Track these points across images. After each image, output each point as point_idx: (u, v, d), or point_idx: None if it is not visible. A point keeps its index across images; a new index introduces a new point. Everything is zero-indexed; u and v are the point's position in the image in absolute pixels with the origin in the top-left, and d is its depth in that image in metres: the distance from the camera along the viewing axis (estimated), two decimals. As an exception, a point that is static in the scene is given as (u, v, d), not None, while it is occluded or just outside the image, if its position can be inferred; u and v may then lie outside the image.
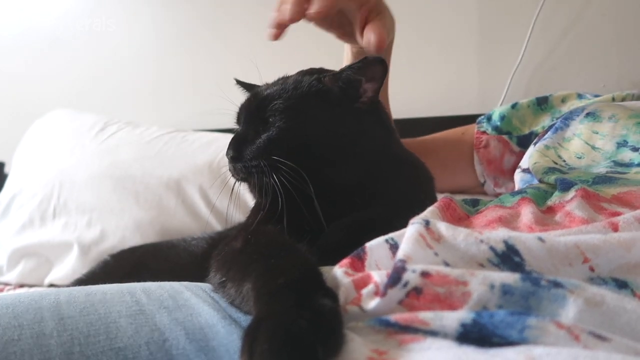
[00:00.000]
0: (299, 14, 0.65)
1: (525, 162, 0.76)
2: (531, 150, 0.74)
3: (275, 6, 0.68)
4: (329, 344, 0.34)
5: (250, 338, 0.34)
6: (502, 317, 0.33)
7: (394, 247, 0.45)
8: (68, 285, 0.98)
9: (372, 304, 0.38)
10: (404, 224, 0.46)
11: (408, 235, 0.43)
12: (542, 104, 0.93)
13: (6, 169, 1.73)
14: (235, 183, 0.69)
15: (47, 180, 1.31)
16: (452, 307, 0.36)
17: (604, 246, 0.39)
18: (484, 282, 0.36)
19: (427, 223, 0.44)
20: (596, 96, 0.87)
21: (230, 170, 0.67)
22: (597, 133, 0.68)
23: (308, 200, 0.59)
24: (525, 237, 0.40)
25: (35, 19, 1.83)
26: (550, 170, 0.64)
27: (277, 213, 0.61)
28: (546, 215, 0.52)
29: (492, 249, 0.41)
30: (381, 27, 0.68)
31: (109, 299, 0.50)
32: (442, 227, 0.43)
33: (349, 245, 0.49)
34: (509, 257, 0.40)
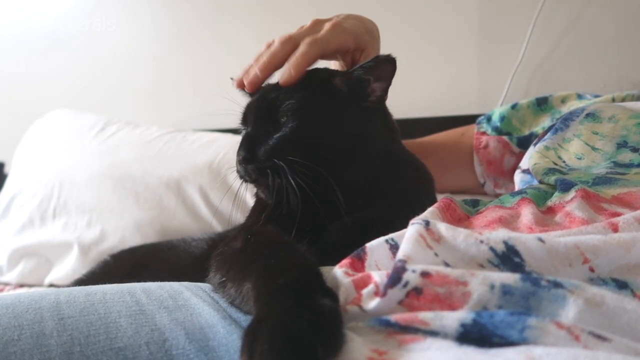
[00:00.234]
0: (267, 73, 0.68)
1: (525, 163, 0.76)
2: (531, 151, 0.74)
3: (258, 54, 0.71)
4: (329, 344, 0.34)
5: (250, 338, 0.34)
6: (502, 317, 0.33)
7: (394, 247, 0.46)
8: (68, 285, 0.98)
9: (372, 304, 0.38)
10: (404, 225, 0.46)
11: (408, 236, 0.43)
12: (542, 104, 0.93)
13: (6, 169, 1.73)
14: (241, 185, 0.69)
15: (47, 180, 1.31)
16: (452, 307, 0.36)
17: (604, 247, 0.39)
18: (484, 282, 0.36)
19: (427, 223, 0.44)
20: (596, 96, 0.87)
21: (239, 172, 0.66)
22: (597, 134, 0.68)
23: (318, 198, 0.59)
24: (525, 238, 0.40)
25: (35, 19, 1.83)
26: (550, 171, 0.64)
27: (282, 213, 0.61)
28: (546, 215, 0.52)
29: (492, 249, 0.41)
30: None
31: (109, 299, 0.50)
32: (442, 228, 0.44)
33: (349, 245, 0.49)
34: (509, 258, 0.40)
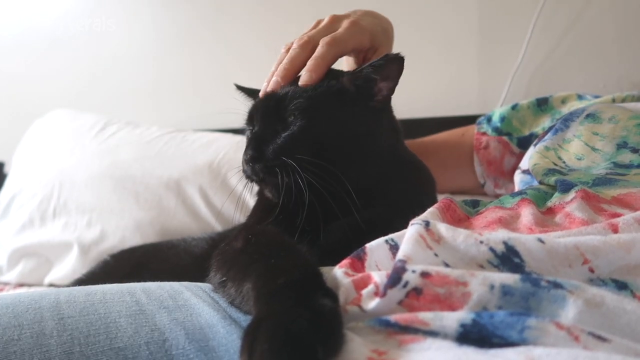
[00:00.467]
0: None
1: (525, 164, 0.76)
2: (531, 152, 0.74)
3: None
4: (329, 344, 0.34)
5: (250, 338, 0.34)
6: (502, 318, 0.33)
7: (394, 247, 0.46)
8: (68, 285, 0.98)
9: (372, 304, 0.38)
10: (404, 225, 0.46)
11: (408, 236, 0.43)
12: (542, 105, 0.93)
13: (6, 169, 1.73)
14: (245, 185, 0.68)
15: (47, 180, 1.31)
16: (452, 307, 0.36)
17: (603, 247, 0.39)
18: (483, 282, 0.36)
19: (427, 224, 0.44)
20: (596, 97, 0.87)
21: (245, 171, 0.65)
22: (597, 134, 0.68)
23: (326, 197, 0.59)
24: (525, 239, 0.41)
25: (35, 19, 1.83)
26: (550, 171, 0.64)
27: (286, 213, 0.61)
28: (546, 216, 0.52)
29: (492, 250, 0.41)
30: None
31: (109, 299, 0.50)
32: (442, 228, 0.44)
33: (349, 245, 0.50)
34: (508, 258, 0.40)
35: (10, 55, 1.88)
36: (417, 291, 0.37)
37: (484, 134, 0.95)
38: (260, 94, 0.70)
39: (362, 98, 0.65)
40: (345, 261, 0.47)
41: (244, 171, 0.66)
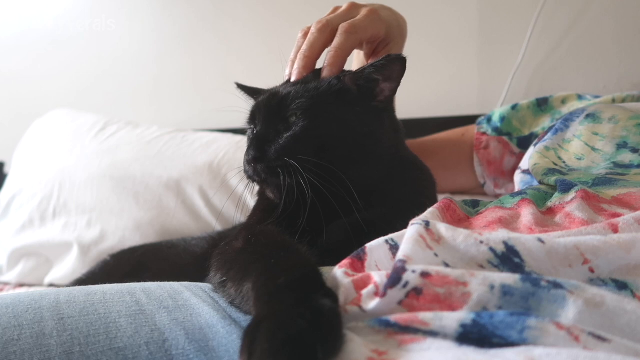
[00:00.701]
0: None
1: (525, 164, 0.76)
2: (531, 152, 0.74)
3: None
4: (329, 344, 0.34)
5: (250, 338, 0.34)
6: (502, 318, 0.33)
7: (393, 247, 0.46)
8: (68, 285, 0.98)
9: (372, 304, 0.38)
10: (404, 225, 0.46)
11: (408, 236, 0.43)
12: (542, 105, 0.93)
13: (6, 169, 1.73)
14: (247, 185, 0.68)
15: (47, 180, 1.31)
16: (452, 307, 0.36)
17: (603, 247, 0.39)
18: (483, 282, 0.36)
19: (427, 224, 0.44)
20: (596, 97, 0.87)
21: (247, 171, 0.65)
22: (597, 134, 0.68)
23: (327, 198, 0.59)
24: (525, 239, 0.40)
25: (35, 19, 1.83)
26: (550, 171, 0.64)
27: (287, 213, 0.60)
28: (546, 216, 0.52)
29: (492, 250, 0.41)
30: None
31: (109, 299, 0.50)
32: (442, 228, 0.44)
33: (350, 245, 0.49)
34: (508, 258, 0.40)
35: (10, 55, 1.88)
36: (417, 291, 0.37)
37: (484, 134, 0.95)
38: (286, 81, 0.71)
39: (364, 98, 0.65)
40: (345, 261, 0.47)
41: (246, 171, 0.65)
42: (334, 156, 0.61)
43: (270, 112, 0.65)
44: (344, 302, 0.40)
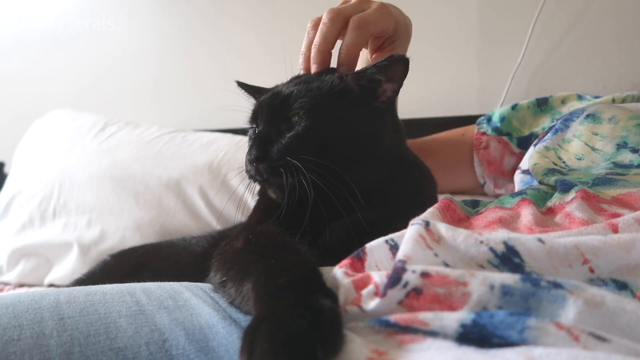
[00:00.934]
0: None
1: (525, 164, 0.76)
2: (531, 152, 0.74)
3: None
4: (329, 344, 0.34)
5: (249, 338, 0.34)
6: (502, 318, 0.33)
7: (393, 247, 0.45)
8: (68, 285, 0.98)
9: (372, 304, 0.38)
10: (404, 225, 0.46)
11: (408, 236, 0.43)
12: (542, 105, 0.93)
13: (6, 169, 1.73)
14: (248, 185, 0.68)
15: (47, 180, 1.31)
16: (452, 307, 0.36)
17: (603, 247, 0.39)
18: (483, 282, 0.36)
19: (427, 224, 0.44)
20: (596, 97, 0.87)
21: (248, 171, 0.65)
22: (597, 134, 0.68)
23: (329, 198, 0.59)
24: (525, 239, 0.40)
25: (35, 19, 1.83)
26: (550, 171, 0.64)
27: (288, 213, 0.60)
28: (546, 216, 0.52)
29: (491, 250, 0.41)
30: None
31: (108, 299, 0.50)
32: (442, 228, 0.44)
33: (350, 245, 0.49)
34: (508, 258, 0.40)
35: (10, 55, 1.88)
36: (417, 291, 0.37)
37: (484, 134, 0.95)
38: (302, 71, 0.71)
39: (367, 98, 0.65)
40: (345, 261, 0.46)
41: (247, 171, 0.65)
42: (336, 156, 0.61)
43: (272, 111, 0.65)
44: (344, 302, 0.40)
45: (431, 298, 0.37)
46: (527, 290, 0.35)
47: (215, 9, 1.62)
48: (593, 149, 0.67)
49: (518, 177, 0.78)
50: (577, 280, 0.37)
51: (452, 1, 1.36)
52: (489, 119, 0.97)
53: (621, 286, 0.38)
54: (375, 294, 0.39)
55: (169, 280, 0.57)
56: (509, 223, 0.51)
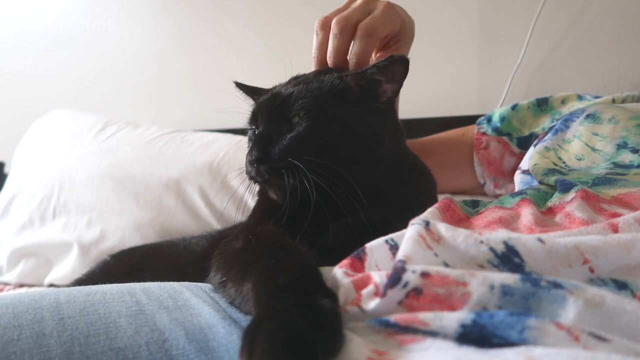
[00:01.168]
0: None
1: (525, 164, 0.76)
2: (531, 152, 0.74)
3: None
4: (329, 344, 0.34)
5: (249, 338, 0.34)
6: (502, 318, 0.33)
7: (393, 247, 0.45)
8: (68, 286, 0.98)
9: (372, 304, 0.38)
10: (404, 225, 0.46)
11: (408, 236, 0.43)
12: (542, 105, 0.93)
13: (6, 169, 1.73)
14: (248, 186, 0.68)
15: (47, 180, 1.31)
16: (452, 307, 0.36)
17: (603, 247, 0.39)
18: (483, 282, 0.36)
19: (427, 224, 0.44)
20: (596, 97, 0.87)
21: (249, 172, 0.65)
22: (597, 135, 0.68)
23: (331, 199, 0.59)
24: (525, 239, 0.40)
25: (35, 19, 1.83)
26: (550, 171, 0.64)
27: (290, 214, 0.60)
28: (546, 216, 0.52)
29: (492, 250, 0.41)
30: None
31: (108, 299, 0.50)
32: (442, 228, 0.44)
33: (350, 245, 0.49)
34: (508, 258, 0.40)
35: (10, 55, 1.88)
36: (417, 291, 0.37)
37: (484, 134, 0.95)
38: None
39: (367, 99, 0.65)
40: (345, 261, 0.46)
41: (248, 172, 0.65)
42: (337, 156, 0.61)
43: (272, 112, 0.65)
44: (344, 302, 0.40)
45: (431, 298, 0.37)
46: (527, 290, 0.35)
47: (215, 9, 1.62)
48: (593, 149, 0.67)
49: (518, 177, 0.78)
50: (577, 280, 0.37)
51: (452, 1, 1.36)
52: (489, 119, 0.97)
53: (621, 286, 0.38)
54: (375, 294, 0.39)
55: (169, 280, 0.57)
56: (509, 223, 0.51)
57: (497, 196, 0.91)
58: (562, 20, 1.26)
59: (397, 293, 0.37)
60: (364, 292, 0.40)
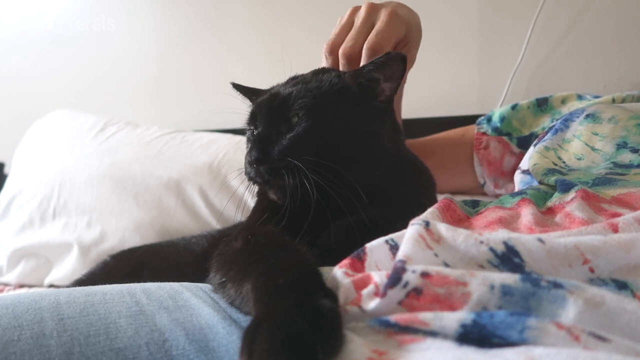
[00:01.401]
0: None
1: (525, 164, 0.76)
2: (531, 152, 0.74)
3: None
4: (329, 344, 0.34)
5: (249, 338, 0.34)
6: (502, 318, 0.33)
7: (394, 247, 0.45)
8: (68, 286, 0.98)
9: (372, 304, 0.38)
10: (404, 225, 0.46)
11: (408, 236, 0.43)
12: (542, 105, 0.93)
13: (6, 169, 1.73)
14: (248, 187, 0.68)
15: (47, 181, 1.31)
16: (452, 307, 0.36)
17: (603, 247, 0.39)
18: (483, 282, 0.36)
19: (427, 224, 0.44)
20: (596, 97, 0.87)
21: (248, 173, 0.64)
22: (597, 134, 0.68)
23: (332, 198, 0.58)
24: (525, 239, 0.40)
25: (35, 19, 1.83)
26: (550, 171, 0.64)
27: (290, 214, 0.60)
28: (546, 216, 0.52)
29: (492, 250, 0.41)
30: None
31: (108, 299, 0.50)
32: (442, 228, 0.44)
33: (350, 245, 0.49)
34: (508, 258, 0.40)
35: (10, 55, 1.88)
36: (417, 291, 0.37)
37: (484, 134, 0.95)
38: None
39: (366, 98, 0.65)
40: (345, 261, 0.46)
41: (247, 173, 0.65)
42: (337, 156, 0.61)
43: (271, 112, 0.65)
44: (344, 302, 0.40)
45: (431, 298, 0.37)
46: (527, 290, 0.35)
47: (215, 9, 1.62)
48: (593, 149, 0.67)
49: (518, 177, 0.78)
50: (577, 280, 0.37)
51: (452, 1, 1.36)
52: (489, 119, 0.97)
53: (621, 286, 0.38)
54: (376, 294, 0.39)
55: (169, 281, 0.57)
56: (509, 223, 0.51)
57: (497, 196, 0.92)
58: (562, 20, 1.26)
59: (397, 293, 0.37)
60: (364, 292, 0.40)
